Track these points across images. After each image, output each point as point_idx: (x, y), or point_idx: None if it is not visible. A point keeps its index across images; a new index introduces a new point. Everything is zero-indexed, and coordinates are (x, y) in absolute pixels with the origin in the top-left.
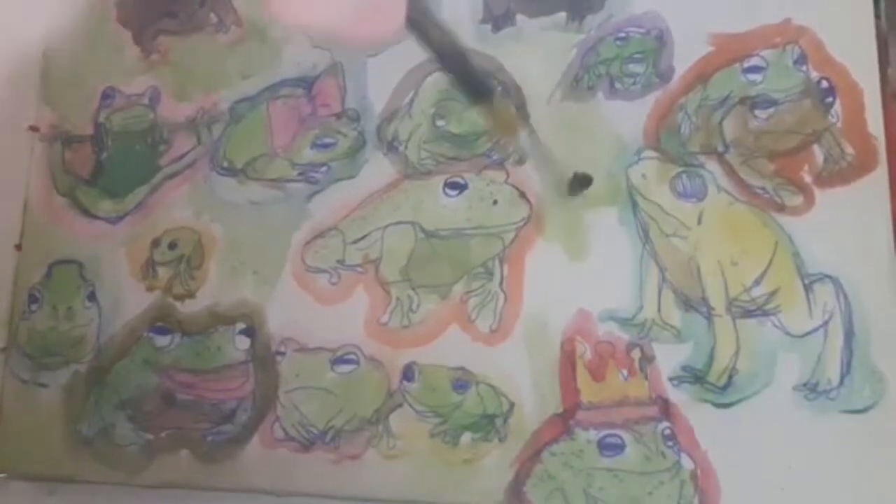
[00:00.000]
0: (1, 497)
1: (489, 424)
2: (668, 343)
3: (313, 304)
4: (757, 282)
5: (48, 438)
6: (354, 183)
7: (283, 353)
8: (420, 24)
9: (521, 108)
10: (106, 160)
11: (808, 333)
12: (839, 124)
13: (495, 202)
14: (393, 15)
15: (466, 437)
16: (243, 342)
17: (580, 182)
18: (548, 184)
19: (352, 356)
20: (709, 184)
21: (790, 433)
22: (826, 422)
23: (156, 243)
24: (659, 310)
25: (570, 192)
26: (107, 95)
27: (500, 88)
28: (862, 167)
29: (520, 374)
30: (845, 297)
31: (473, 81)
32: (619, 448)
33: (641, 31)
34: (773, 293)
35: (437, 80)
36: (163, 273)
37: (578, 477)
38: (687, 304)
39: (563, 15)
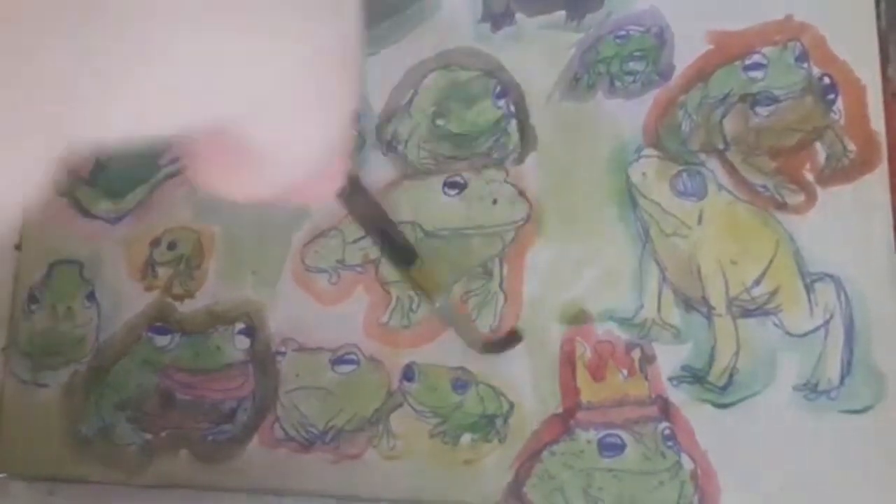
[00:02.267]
0: (0, 497)
1: (489, 425)
2: (668, 343)
3: (313, 303)
4: (757, 281)
5: (48, 438)
6: None
7: (282, 353)
8: (354, 200)
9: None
10: (106, 160)
11: (808, 333)
12: (841, 121)
13: (495, 201)
14: (327, 188)
15: (466, 438)
16: (243, 342)
17: (508, 341)
18: (464, 345)
19: (352, 356)
20: (709, 182)
21: (790, 433)
22: (826, 422)
23: (155, 243)
24: (659, 309)
25: (489, 349)
26: None
27: (419, 256)
28: (864, 164)
29: (520, 374)
30: (846, 296)
31: (397, 249)
32: (619, 448)
33: (641, 29)
34: (773, 292)
35: (437, 80)
36: (162, 273)
37: (578, 477)
38: (687, 303)
39: (562, 13)
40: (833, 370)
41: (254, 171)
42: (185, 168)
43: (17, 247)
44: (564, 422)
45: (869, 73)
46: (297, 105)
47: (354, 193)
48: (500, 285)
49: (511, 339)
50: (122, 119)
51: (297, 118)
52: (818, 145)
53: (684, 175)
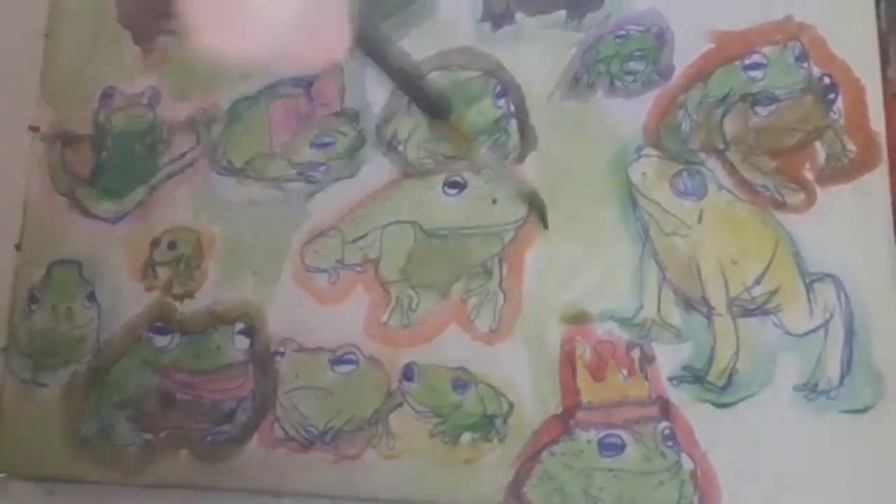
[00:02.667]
0: (0, 497)
1: (489, 424)
2: (668, 343)
3: (313, 303)
4: (757, 281)
5: (48, 438)
6: (354, 182)
7: (282, 353)
8: (373, 44)
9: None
10: (105, 160)
11: (808, 333)
12: (841, 121)
13: (494, 201)
14: (338, 40)
15: (466, 437)
16: (243, 342)
17: (538, 209)
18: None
19: (351, 356)
20: (709, 182)
21: (790, 433)
22: (826, 421)
23: (155, 243)
24: (659, 309)
25: (531, 210)
26: (106, 95)
27: (455, 110)
28: (864, 164)
29: (519, 374)
30: (846, 296)
31: (430, 100)
32: (619, 448)
33: (641, 28)
34: (773, 292)
35: (437, 80)
36: (162, 273)
37: (578, 477)
38: (687, 303)
39: (562, 13)
40: (833, 370)
41: (255, 24)
42: (184, 29)
43: (17, 247)
44: (564, 422)
45: (869, 74)
46: None
47: (379, 43)
48: (500, 285)
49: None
50: None
51: None
52: (818, 145)
53: (684, 175)
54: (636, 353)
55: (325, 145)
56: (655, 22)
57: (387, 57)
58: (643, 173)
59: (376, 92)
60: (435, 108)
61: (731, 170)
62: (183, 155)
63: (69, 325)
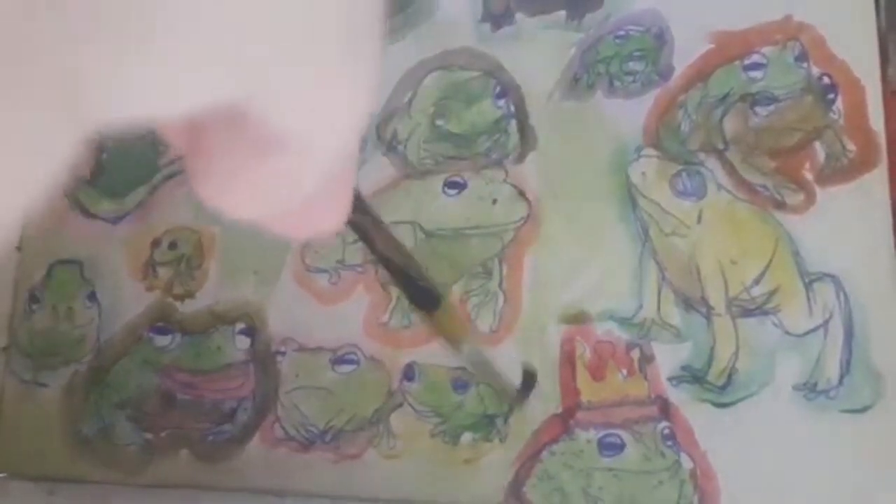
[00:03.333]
0: (1, 497)
1: (489, 424)
2: (668, 343)
3: (313, 303)
4: (757, 281)
5: (48, 438)
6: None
7: (283, 353)
8: (366, 227)
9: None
10: (106, 160)
11: (807, 333)
12: (841, 121)
13: (494, 201)
14: (336, 214)
15: (467, 437)
16: (243, 342)
17: (527, 385)
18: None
19: (352, 356)
20: (708, 182)
21: (789, 432)
22: (825, 421)
23: (156, 243)
24: (658, 309)
25: (519, 399)
26: None
27: (444, 299)
28: (864, 163)
29: (520, 374)
30: (846, 296)
31: (420, 291)
32: (619, 448)
33: (641, 29)
34: (772, 292)
35: (437, 80)
36: (163, 273)
37: (578, 477)
38: (686, 303)
39: (562, 13)
40: (832, 370)
41: (263, 176)
42: (183, 169)
43: (18, 247)
44: (564, 422)
45: (868, 73)
46: (321, 89)
47: (371, 224)
48: (500, 285)
49: (529, 381)
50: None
51: (318, 106)
52: (818, 145)
53: (684, 175)
54: (636, 353)
55: None
56: (655, 22)
57: (376, 238)
58: (643, 173)
59: (376, 92)
60: (424, 300)
61: (731, 170)
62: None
63: (70, 325)
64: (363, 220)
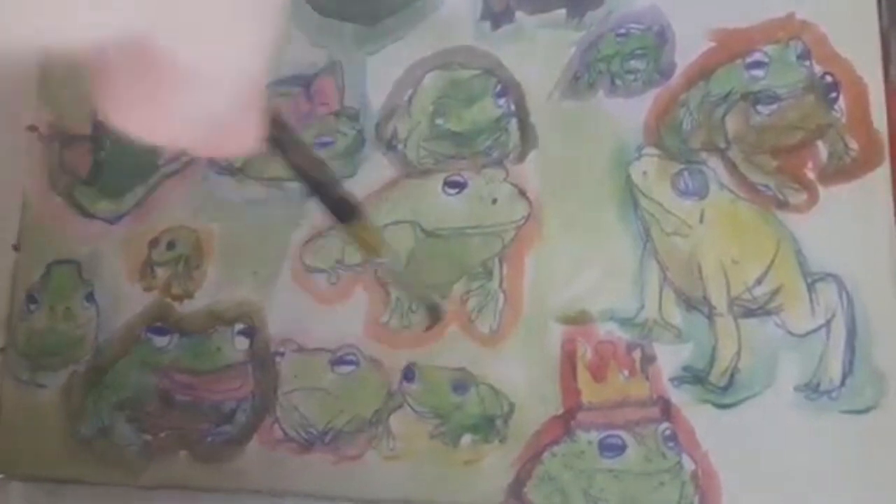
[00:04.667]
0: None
1: (489, 425)
2: (669, 343)
3: (313, 304)
4: (759, 281)
5: (46, 439)
6: (353, 182)
7: (282, 354)
8: (283, 143)
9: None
10: (104, 160)
11: (810, 333)
12: (843, 120)
13: (495, 201)
14: (250, 135)
15: (467, 438)
16: (242, 342)
17: (435, 314)
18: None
19: (351, 357)
20: (710, 181)
21: (791, 433)
22: (827, 422)
23: (154, 243)
24: (660, 309)
25: (429, 322)
26: None
27: (364, 213)
28: (866, 162)
29: (520, 374)
30: (848, 295)
31: (337, 203)
32: (620, 449)
33: (642, 27)
34: (775, 292)
35: (437, 78)
36: (161, 273)
37: (579, 478)
38: (688, 303)
39: (562, 12)
40: (834, 370)
41: (171, 102)
42: (94, 91)
43: (16, 247)
44: (565, 422)
45: (871, 72)
46: (224, 20)
47: (284, 138)
48: (500, 285)
49: (437, 311)
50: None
51: (217, 33)
52: (820, 144)
53: (685, 174)
54: (637, 354)
55: (324, 144)
56: (656, 20)
57: (294, 156)
58: (644, 172)
59: (376, 91)
60: (341, 212)
61: (733, 169)
62: (182, 154)
63: (68, 326)
64: (281, 138)
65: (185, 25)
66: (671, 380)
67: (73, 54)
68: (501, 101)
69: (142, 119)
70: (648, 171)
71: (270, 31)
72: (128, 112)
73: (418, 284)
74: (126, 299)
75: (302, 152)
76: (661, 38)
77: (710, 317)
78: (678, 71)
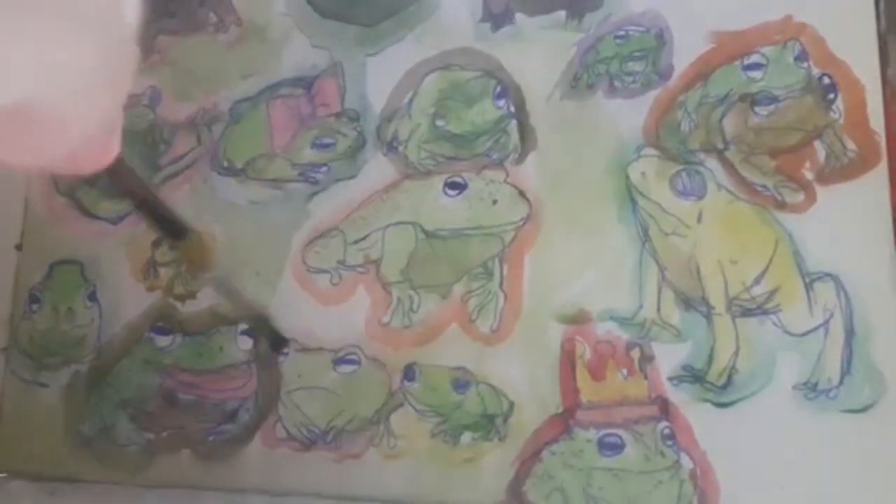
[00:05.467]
0: (1, 497)
1: (489, 424)
2: (668, 342)
3: (314, 304)
4: (757, 280)
5: (49, 438)
6: (354, 183)
7: (285, 354)
8: (117, 172)
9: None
10: None
11: (808, 332)
12: (841, 120)
13: (495, 202)
14: (103, 157)
15: (467, 437)
16: (246, 342)
17: (275, 342)
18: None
19: (353, 356)
20: (709, 181)
21: (790, 432)
22: (826, 421)
23: (157, 243)
24: (658, 309)
25: (255, 325)
26: None
27: (192, 229)
28: (864, 163)
29: (520, 373)
30: (846, 295)
31: (168, 222)
32: (619, 447)
33: (641, 29)
34: (773, 292)
35: (437, 80)
36: (164, 273)
37: (578, 476)
38: (687, 303)
39: (562, 13)
40: (833, 369)
41: (39, 140)
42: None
43: (18, 247)
44: (564, 421)
45: (869, 73)
46: (82, 85)
47: (121, 170)
48: (501, 285)
49: (278, 341)
50: None
51: (80, 96)
52: (818, 144)
53: (684, 174)
54: (636, 353)
55: (325, 146)
56: (655, 22)
57: (126, 183)
58: (643, 173)
59: (377, 92)
60: (173, 230)
61: (731, 169)
62: (184, 155)
63: (70, 325)
64: (116, 167)
65: (51, 88)
66: (670, 379)
67: None
68: (501, 103)
69: (11, 152)
70: (647, 171)
71: (119, 90)
72: (6, 150)
73: (242, 298)
74: (129, 299)
75: (134, 180)
76: (659, 40)
77: (709, 316)
78: (677, 72)
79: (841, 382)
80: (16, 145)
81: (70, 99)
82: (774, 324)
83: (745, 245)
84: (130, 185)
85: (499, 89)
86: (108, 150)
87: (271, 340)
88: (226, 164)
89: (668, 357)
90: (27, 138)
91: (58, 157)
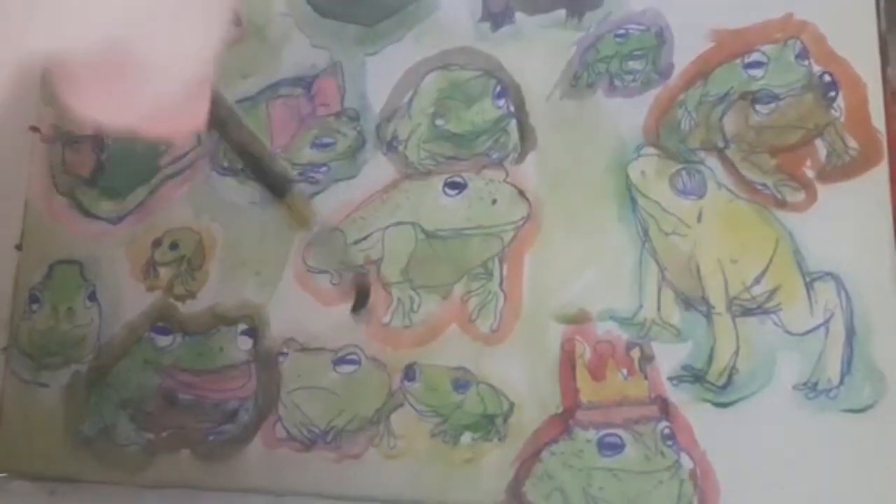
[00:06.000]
0: (1, 496)
1: (489, 424)
2: (668, 342)
3: (315, 304)
4: (757, 280)
5: (49, 438)
6: (354, 183)
7: (284, 354)
8: (223, 122)
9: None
10: (106, 160)
11: (808, 332)
12: (842, 119)
13: (494, 201)
14: (196, 115)
15: (467, 437)
16: (246, 342)
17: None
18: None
19: (353, 356)
20: (709, 180)
21: (790, 432)
22: (826, 421)
23: (157, 243)
24: (658, 309)
25: (356, 306)
26: None
27: (296, 188)
28: (866, 161)
29: (520, 374)
30: (847, 294)
31: (272, 179)
32: (619, 448)
33: (641, 27)
34: (773, 291)
35: (436, 80)
36: (164, 273)
37: (578, 476)
38: (687, 302)
39: (562, 12)
40: (833, 369)
41: (130, 91)
42: (62, 93)
43: (18, 247)
44: (564, 421)
45: (870, 71)
46: (174, 25)
47: (224, 116)
48: (500, 285)
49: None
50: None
51: (173, 37)
52: (819, 143)
53: (684, 173)
54: (636, 353)
55: (325, 146)
56: (655, 21)
57: (231, 131)
58: (643, 172)
59: (376, 92)
60: (275, 187)
61: (731, 168)
62: (184, 155)
63: (70, 325)
64: (221, 115)
65: (145, 31)
66: (670, 379)
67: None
68: (501, 102)
69: (103, 106)
70: (647, 170)
71: (216, 30)
72: (91, 100)
73: (344, 253)
74: (128, 299)
75: (241, 129)
76: (659, 39)
77: (709, 316)
78: (677, 71)
79: (841, 382)
80: (105, 99)
81: (161, 44)
82: (775, 323)
83: (746, 244)
84: (236, 136)
85: (498, 89)
86: (200, 110)
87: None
88: (226, 163)
89: (668, 357)
90: (116, 90)
91: (149, 114)
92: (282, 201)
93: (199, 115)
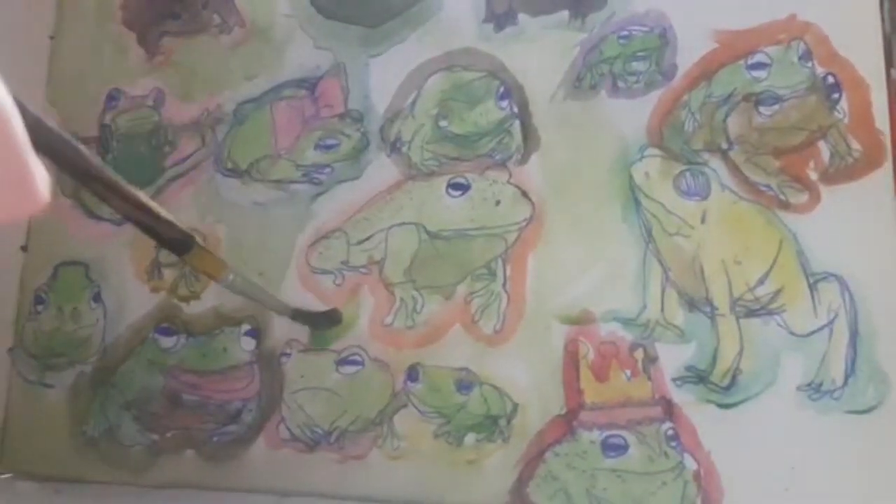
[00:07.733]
0: (7, 497)
1: (493, 425)
2: (672, 343)
3: (318, 305)
4: (761, 281)
5: (54, 439)
6: (358, 184)
7: (288, 355)
8: (100, 194)
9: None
10: (111, 162)
11: (812, 333)
12: (846, 120)
13: (498, 202)
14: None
15: (470, 438)
16: (249, 343)
17: (328, 320)
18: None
19: (356, 357)
20: (712, 182)
21: (794, 433)
22: (830, 422)
23: None
24: (662, 310)
25: (295, 318)
26: (112, 97)
27: (197, 239)
28: (869, 163)
29: (523, 375)
30: (850, 296)
31: (170, 239)
32: (623, 449)
33: (644, 29)
34: (777, 292)
35: (440, 81)
36: (168, 274)
37: (582, 477)
38: (690, 303)
39: (565, 13)
40: (837, 370)
41: None
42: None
43: (24, 248)
44: (568, 422)
45: (873, 73)
46: None
47: (100, 190)
48: (504, 286)
49: (330, 315)
50: None
51: None
52: (822, 144)
53: (687, 175)
54: (639, 354)
55: (329, 147)
56: (658, 22)
57: (118, 204)
58: (646, 173)
59: (380, 93)
60: (174, 247)
61: (735, 170)
62: (188, 156)
63: (75, 326)
64: (96, 189)
65: None
66: (673, 380)
67: None
68: (504, 104)
69: None
70: (651, 171)
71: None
72: None
73: (270, 296)
74: (133, 300)
75: (126, 197)
76: (663, 40)
77: (713, 317)
78: (680, 72)
79: (845, 383)
80: None
81: None
82: (778, 324)
83: (749, 245)
84: (121, 204)
85: (502, 90)
86: (26, 185)
87: (321, 322)
88: (230, 165)
89: (672, 358)
90: None
91: None
92: (188, 258)
93: (29, 191)
